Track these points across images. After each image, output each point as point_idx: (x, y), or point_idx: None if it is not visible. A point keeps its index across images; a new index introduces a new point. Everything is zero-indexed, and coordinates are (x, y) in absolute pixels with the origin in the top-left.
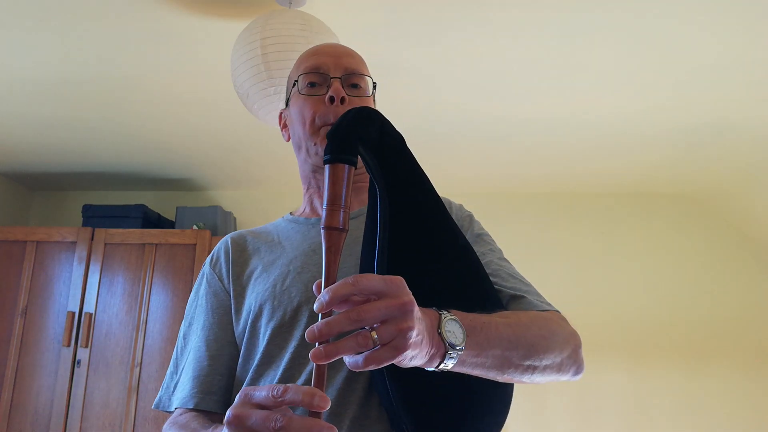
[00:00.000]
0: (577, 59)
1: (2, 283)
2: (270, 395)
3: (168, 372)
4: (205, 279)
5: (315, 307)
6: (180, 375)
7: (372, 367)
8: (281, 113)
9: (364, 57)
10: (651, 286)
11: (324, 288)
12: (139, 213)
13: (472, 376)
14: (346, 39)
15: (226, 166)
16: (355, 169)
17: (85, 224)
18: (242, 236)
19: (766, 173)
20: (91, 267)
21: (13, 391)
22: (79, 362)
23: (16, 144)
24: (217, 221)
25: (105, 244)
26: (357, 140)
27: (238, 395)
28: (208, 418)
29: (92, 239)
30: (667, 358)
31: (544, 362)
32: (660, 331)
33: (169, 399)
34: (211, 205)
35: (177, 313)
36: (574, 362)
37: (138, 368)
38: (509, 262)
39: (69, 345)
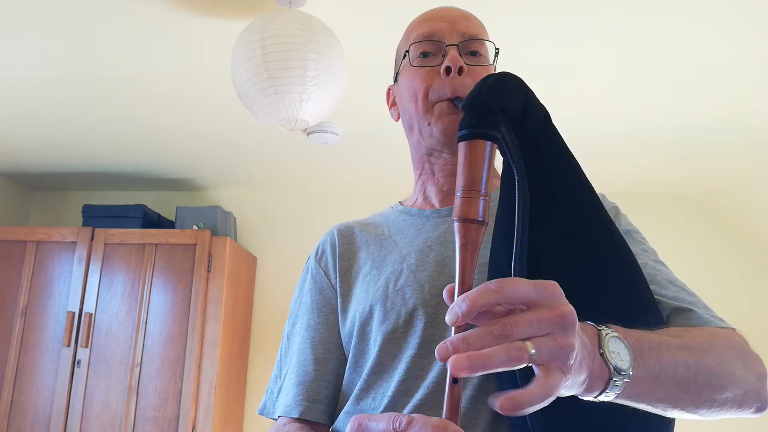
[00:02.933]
0: (576, 59)
1: (2, 283)
2: (390, 428)
3: (272, 375)
4: (309, 274)
5: (448, 318)
6: (284, 379)
7: (535, 408)
8: (389, 90)
9: (364, 58)
10: None
11: (458, 294)
12: (139, 213)
13: (632, 408)
14: (346, 39)
15: (226, 166)
16: (497, 147)
17: (85, 224)
18: (349, 227)
19: (766, 173)
20: (91, 267)
21: (13, 391)
22: (79, 362)
23: (16, 144)
24: (217, 221)
25: (105, 244)
26: (500, 112)
27: (350, 424)
28: (314, 431)
29: (92, 239)
30: None
31: (726, 395)
32: None
33: (273, 405)
34: (211, 205)
35: (177, 313)
36: (758, 396)
37: (138, 368)
38: (666, 266)
39: (69, 345)
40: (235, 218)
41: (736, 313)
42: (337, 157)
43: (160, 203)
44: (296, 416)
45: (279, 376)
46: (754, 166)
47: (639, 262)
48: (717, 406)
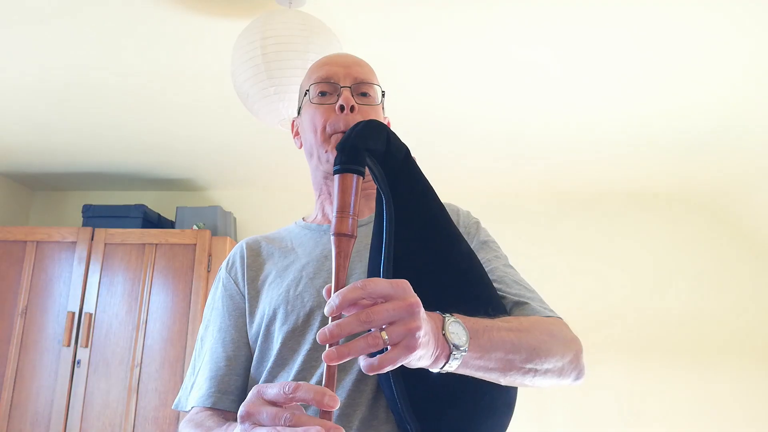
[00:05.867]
0: (578, 60)
1: (2, 283)
2: (281, 392)
3: (187, 374)
4: (221, 283)
5: (326, 310)
6: (197, 375)
7: (387, 369)
8: (293, 121)
9: (364, 58)
10: (651, 286)
11: (334, 292)
12: (139, 213)
13: (475, 378)
14: (346, 39)
15: (226, 166)
16: (363, 178)
17: (85, 224)
18: (257, 241)
19: (766, 174)
20: (91, 267)
21: (13, 391)
22: (79, 362)
23: (16, 144)
24: (217, 221)
25: (105, 244)
26: (365, 151)
27: (251, 392)
28: (223, 417)
29: (92, 239)
30: (667, 358)
31: (546, 366)
32: (660, 331)
33: (187, 399)
34: (211, 205)
35: (177, 313)
36: (575, 367)
37: (138, 368)
38: (515, 269)
39: (69, 345)
40: (235, 218)
41: (737, 312)
42: None
43: (160, 203)
44: (209, 406)
45: (193, 374)
46: (755, 167)
47: (491, 266)
48: (540, 375)
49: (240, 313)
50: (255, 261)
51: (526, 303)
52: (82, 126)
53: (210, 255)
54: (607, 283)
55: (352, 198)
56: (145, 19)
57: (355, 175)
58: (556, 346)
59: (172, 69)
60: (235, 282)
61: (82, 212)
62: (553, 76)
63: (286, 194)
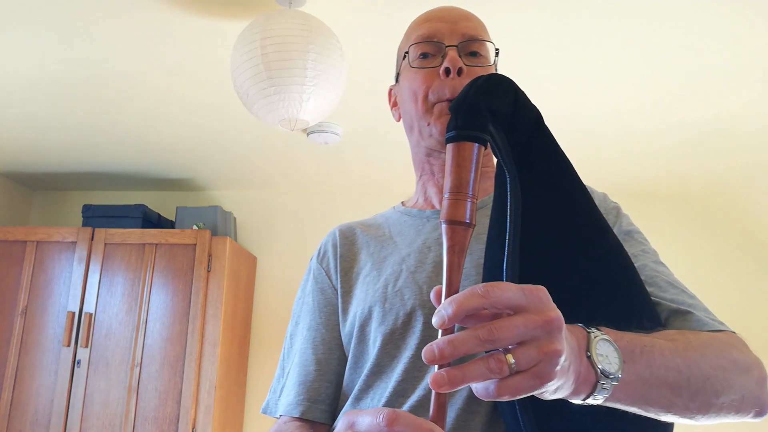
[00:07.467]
0: (577, 58)
1: (2, 283)
2: (375, 423)
3: (276, 375)
4: (311, 275)
5: (434, 321)
6: (286, 378)
7: (506, 398)
8: (390, 90)
9: (364, 58)
10: None
11: (445, 297)
12: (139, 213)
13: (624, 411)
14: (346, 39)
15: (226, 166)
16: (485, 149)
17: (85, 224)
18: (351, 228)
19: (766, 173)
20: (91, 267)
21: (13, 391)
22: (79, 362)
23: (16, 144)
24: (217, 221)
25: (105, 244)
26: (488, 113)
27: (340, 420)
28: (313, 430)
29: (92, 239)
30: None
31: (722, 399)
32: None
33: (276, 404)
34: (211, 205)
35: (177, 313)
36: (757, 400)
37: (138, 368)
38: (667, 267)
39: (69, 345)
40: (235, 218)
41: (737, 312)
42: (337, 157)
43: (160, 203)
44: (297, 416)
45: (282, 376)
46: (755, 166)
47: (639, 263)
48: (713, 412)
49: (332, 309)
50: (349, 250)
51: (689, 312)
52: (82, 126)
53: (210, 255)
54: None
55: (471, 174)
56: (145, 19)
57: (475, 145)
58: (737, 374)
59: (172, 69)
60: (327, 274)
61: (82, 212)
62: (552, 77)
63: (286, 194)
